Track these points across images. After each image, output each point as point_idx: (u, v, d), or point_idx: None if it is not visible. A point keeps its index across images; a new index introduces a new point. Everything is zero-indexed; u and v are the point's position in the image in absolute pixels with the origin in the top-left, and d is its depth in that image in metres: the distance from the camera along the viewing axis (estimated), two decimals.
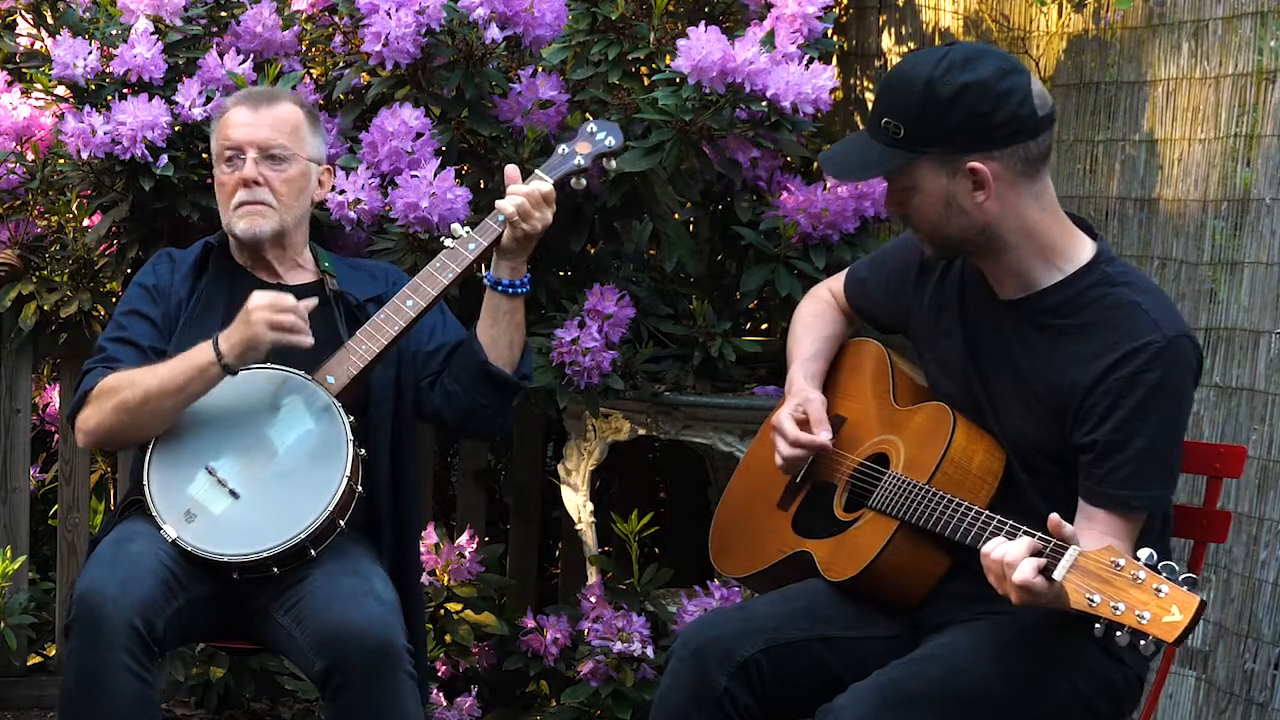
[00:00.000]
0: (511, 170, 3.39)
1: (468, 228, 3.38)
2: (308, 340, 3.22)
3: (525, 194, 3.32)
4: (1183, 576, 2.48)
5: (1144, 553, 2.52)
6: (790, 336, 3.29)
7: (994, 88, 2.75)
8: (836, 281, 3.31)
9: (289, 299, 3.20)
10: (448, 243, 3.38)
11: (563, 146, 3.47)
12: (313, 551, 3.19)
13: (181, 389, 3.21)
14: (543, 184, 3.36)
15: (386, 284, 3.52)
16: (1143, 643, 2.47)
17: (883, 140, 2.83)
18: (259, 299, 3.20)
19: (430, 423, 3.52)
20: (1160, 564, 2.50)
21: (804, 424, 3.11)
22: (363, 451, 3.27)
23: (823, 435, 3.09)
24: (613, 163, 3.49)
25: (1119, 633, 2.48)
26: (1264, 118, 3.65)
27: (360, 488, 3.26)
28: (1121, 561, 2.52)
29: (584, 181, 3.48)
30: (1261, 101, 3.66)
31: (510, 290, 3.38)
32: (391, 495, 3.45)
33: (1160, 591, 2.47)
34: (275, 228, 3.41)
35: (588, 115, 4.10)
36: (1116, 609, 2.48)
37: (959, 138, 2.77)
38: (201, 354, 3.21)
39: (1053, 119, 2.82)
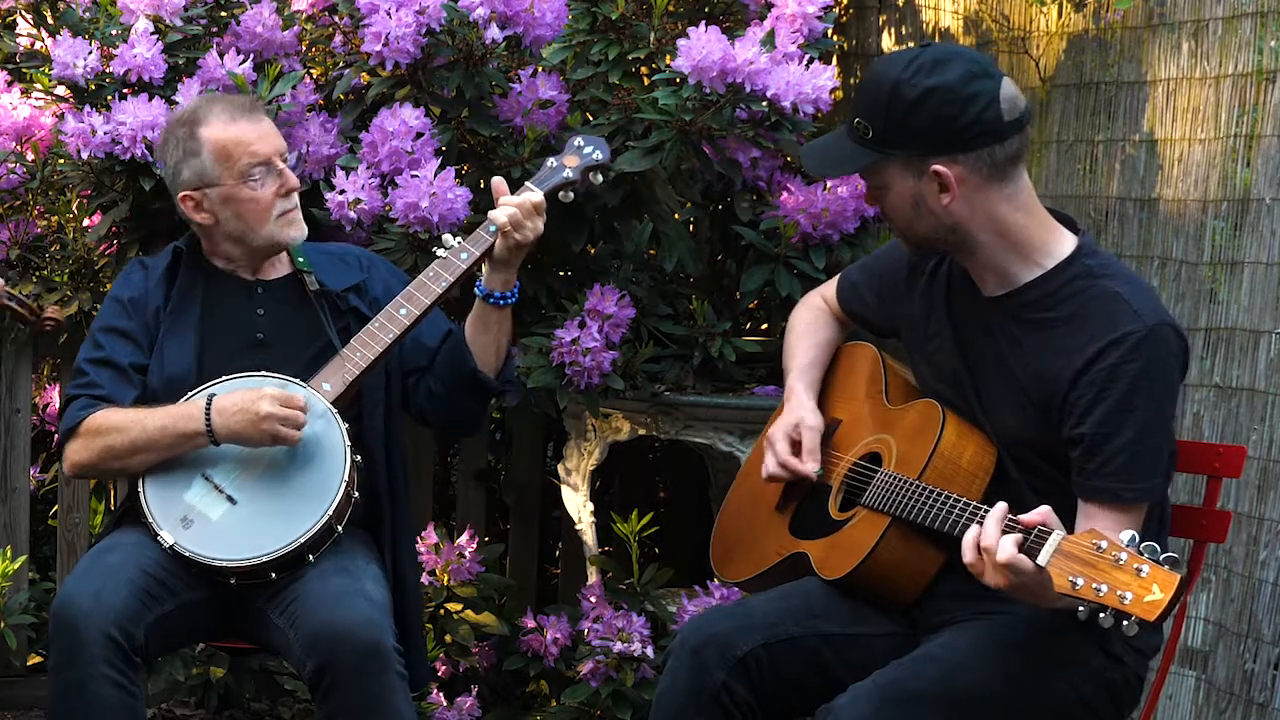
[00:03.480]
0: (499, 182, 3.43)
1: (459, 238, 3.43)
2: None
3: (517, 204, 3.36)
4: (1163, 556, 2.49)
5: (1126, 534, 2.54)
6: (786, 344, 3.31)
7: (959, 92, 2.77)
8: (829, 288, 3.33)
9: (302, 419, 3.21)
10: (440, 252, 3.42)
11: (551, 160, 3.53)
12: (310, 558, 3.21)
13: (168, 448, 3.25)
14: (533, 194, 3.40)
15: (360, 269, 3.54)
16: (1125, 623, 2.47)
17: (854, 139, 2.86)
18: (275, 409, 3.19)
19: (413, 419, 3.55)
20: (1142, 545, 2.51)
21: (796, 446, 3.13)
22: (359, 458, 3.28)
23: (810, 466, 3.11)
24: (599, 176, 3.55)
25: (1102, 614, 2.49)
26: (1264, 118, 3.65)
27: (357, 493, 3.27)
28: (1104, 544, 2.53)
29: (572, 194, 3.52)
30: (1261, 101, 3.66)
31: (501, 302, 3.42)
32: (389, 493, 3.46)
33: (1141, 571, 2.48)
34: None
35: (589, 115, 4.11)
36: (1099, 590, 2.49)
37: (923, 141, 2.79)
38: (192, 423, 3.23)
39: (1024, 123, 2.82)
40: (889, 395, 3.14)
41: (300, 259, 3.50)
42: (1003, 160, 2.81)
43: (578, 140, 3.55)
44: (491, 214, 3.38)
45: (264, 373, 3.31)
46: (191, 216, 3.42)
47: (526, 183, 3.47)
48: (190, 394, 3.29)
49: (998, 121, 2.78)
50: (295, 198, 3.43)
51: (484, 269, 3.42)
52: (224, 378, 3.30)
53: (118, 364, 3.36)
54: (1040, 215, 2.88)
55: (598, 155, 3.53)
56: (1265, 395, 3.64)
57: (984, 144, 2.79)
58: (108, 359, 3.37)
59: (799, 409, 3.17)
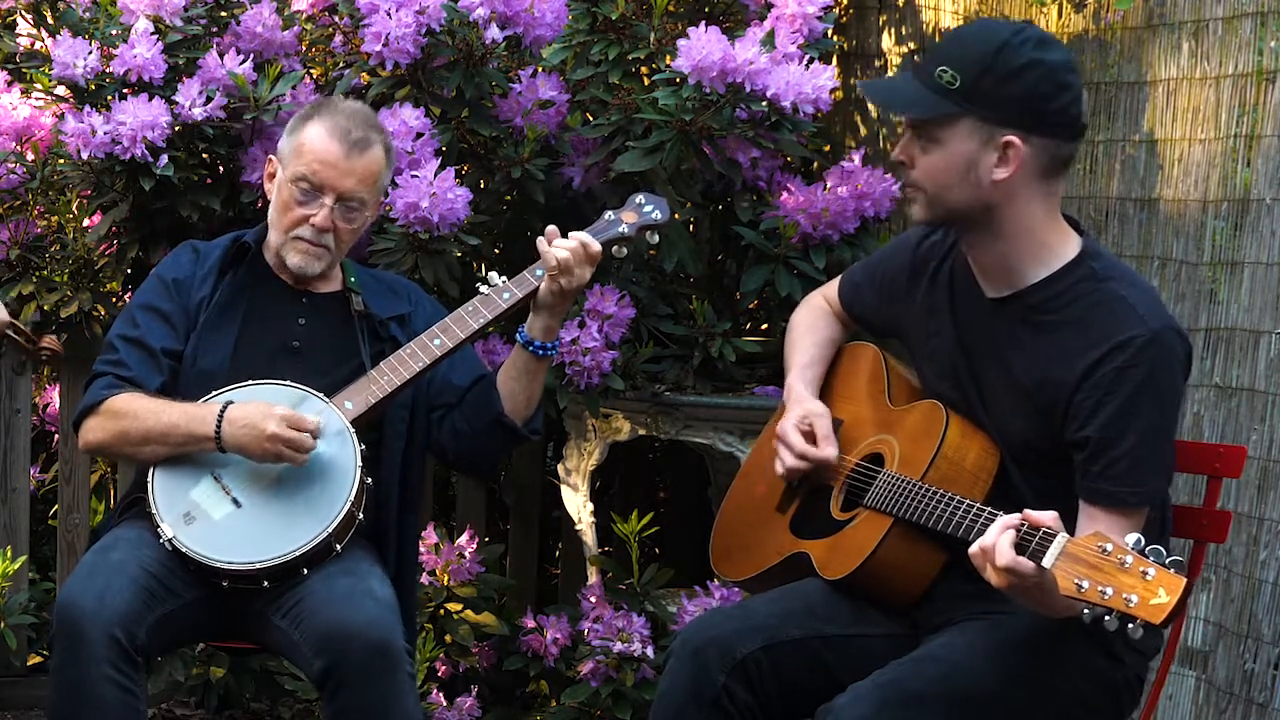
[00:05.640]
0: (551, 229, 3.37)
1: (504, 277, 3.39)
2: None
3: (571, 249, 3.31)
4: (1169, 559, 2.48)
5: (1131, 537, 2.53)
6: (787, 343, 3.31)
7: (1059, 76, 2.78)
8: (831, 288, 3.32)
9: (309, 443, 3.19)
10: (483, 289, 3.38)
11: (610, 213, 3.48)
12: (305, 571, 3.19)
13: (178, 445, 3.24)
14: (590, 242, 3.34)
15: (409, 302, 3.52)
16: (1130, 626, 2.47)
17: (931, 87, 2.82)
18: (282, 430, 3.17)
19: (433, 456, 3.54)
20: (1147, 548, 2.51)
21: (809, 436, 3.12)
22: (369, 481, 3.27)
23: (828, 450, 3.10)
24: (655, 236, 3.51)
25: (1107, 617, 2.48)
26: (1264, 118, 3.65)
27: (361, 515, 3.26)
28: (1109, 546, 2.52)
29: (625, 250, 3.48)
30: (1261, 101, 3.66)
31: (541, 352, 3.39)
32: (398, 514, 3.45)
33: (1147, 574, 2.48)
34: (325, 268, 3.41)
35: (589, 116, 4.11)
36: (1104, 593, 2.48)
37: (1010, 108, 2.78)
38: (203, 425, 3.21)
39: (1084, 133, 2.85)
40: (891, 396, 3.13)
41: (352, 278, 3.49)
42: (1059, 161, 2.82)
43: (639, 198, 3.51)
44: (543, 253, 3.32)
45: (289, 383, 3.30)
46: (265, 179, 3.47)
47: (581, 232, 3.39)
48: (213, 394, 3.28)
49: (1078, 120, 2.81)
50: (324, 239, 3.35)
51: (528, 314, 3.38)
52: (248, 383, 3.30)
53: (149, 346, 3.35)
54: (1056, 220, 2.88)
55: (657, 215, 3.48)
56: (1265, 395, 3.64)
57: (1059, 135, 2.80)
58: (141, 339, 3.36)
59: (802, 402, 3.17)
